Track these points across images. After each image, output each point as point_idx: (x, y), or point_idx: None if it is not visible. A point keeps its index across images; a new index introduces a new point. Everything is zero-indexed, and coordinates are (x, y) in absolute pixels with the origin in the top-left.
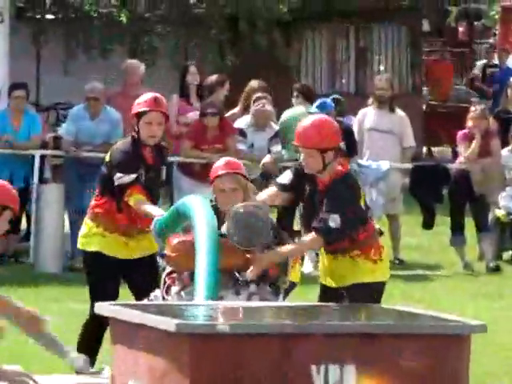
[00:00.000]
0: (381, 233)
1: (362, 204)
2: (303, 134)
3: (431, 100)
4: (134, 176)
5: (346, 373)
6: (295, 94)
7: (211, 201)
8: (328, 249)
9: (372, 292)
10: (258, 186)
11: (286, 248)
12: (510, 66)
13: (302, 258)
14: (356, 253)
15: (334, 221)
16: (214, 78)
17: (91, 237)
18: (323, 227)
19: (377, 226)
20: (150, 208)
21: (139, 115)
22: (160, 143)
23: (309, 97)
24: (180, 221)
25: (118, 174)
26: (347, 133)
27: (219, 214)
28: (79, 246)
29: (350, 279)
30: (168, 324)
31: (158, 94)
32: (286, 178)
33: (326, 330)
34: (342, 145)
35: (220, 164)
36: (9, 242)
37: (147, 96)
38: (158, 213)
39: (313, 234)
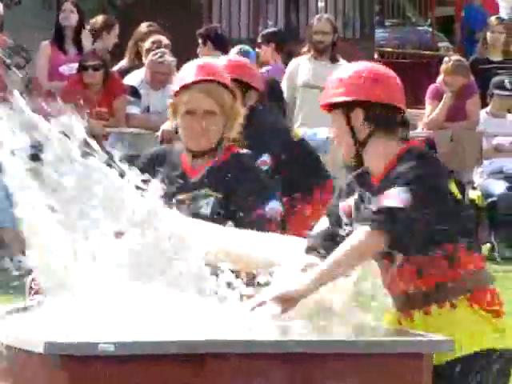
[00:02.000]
0: None
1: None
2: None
3: (385, 46)
4: None
5: None
6: (200, 40)
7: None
8: (404, 286)
9: (504, 366)
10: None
11: (321, 269)
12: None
13: None
14: (464, 297)
15: (394, 197)
16: (99, 19)
17: None
18: (375, 212)
19: None
20: None
21: None
22: None
23: (220, 44)
24: None
25: None
26: (271, 90)
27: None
28: None
29: (465, 346)
30: (34, 343)
31: None
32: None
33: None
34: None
35: (191, 67)
36: None
37: None
38: None
39: (359, 231)
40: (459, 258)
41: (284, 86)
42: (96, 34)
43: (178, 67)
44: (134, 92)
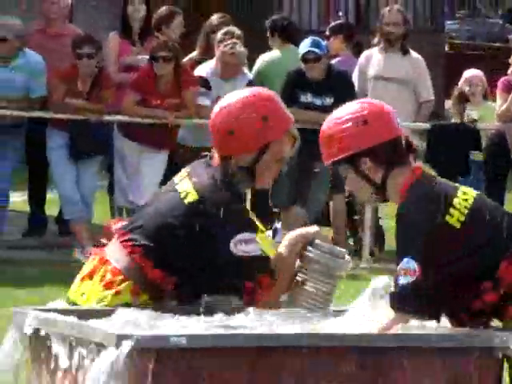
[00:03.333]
0: None
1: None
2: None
3: (456, 38)
4: None
5: None
6: (268, 32)
7: None
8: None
9: None
10: None
11: None
12: None
13: None
14: None
15: (405, 270)
16: (162, 10)
17: None
18: (393, 292)
19: None
20: None
21: None
22: None
23: (289, 35)
24: None
25: None
26: (342, 81)
27: None
28: None
29: None
30: (106, 336)
31: None
32: None
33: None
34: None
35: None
36: None
37: None
38: None
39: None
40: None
41: (355, 77)
42: (159, 24)
43: (249, 58)
44: (205, 83)
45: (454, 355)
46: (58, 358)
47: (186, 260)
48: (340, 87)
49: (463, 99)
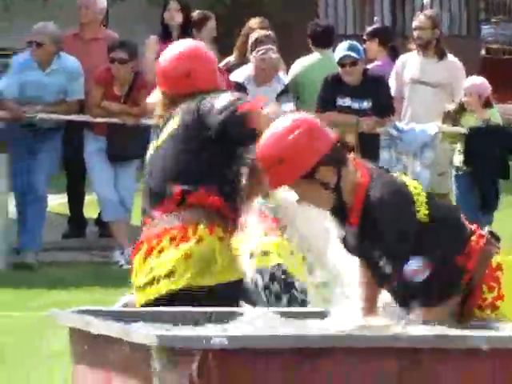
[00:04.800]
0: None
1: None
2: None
3: (492, 43)
4: None
5: None
6: (307, 36)
7: None
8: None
9: None
10: None
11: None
12: None
13: None
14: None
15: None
16: (195, 15)
17: None
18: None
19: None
20: None
21: None
22: None
23: (326, 40)
24: None
25: None
26: (379, 85)
27: None
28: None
29: None
30: (146, 336)
31: None
32: None
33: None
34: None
35: None
36: None
37: None
38: None
39: None
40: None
41: (392, 81)
42: (192, 27)
43: (286, 63)
44: (240, 88)
45: (500, 357)
46: (99, 357)
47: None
48: (377, 91)
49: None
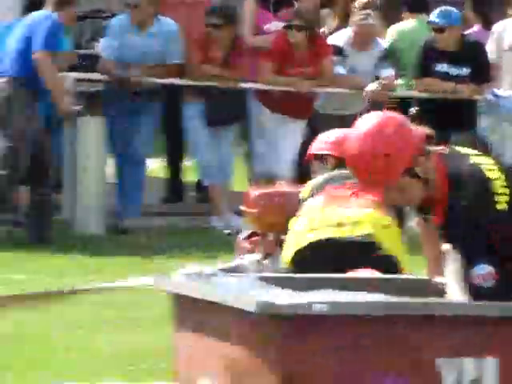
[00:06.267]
0: None
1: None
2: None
3: None
4: None
5: (486, 367)
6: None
7: None
8: None
9: None
10: None
11: None
12: None
13: None
14: None
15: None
16: None
17: None
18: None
19: None
20: None
21: None
22: None
23: (422, 5)
24: None
25: None
26: (477, 51)
27: None
28: None
29: None
30: (246, 302)
31: None
32: None
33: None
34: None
35: None
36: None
37: None
38: None
39: None
40: None
41: (489, 48)
42: None
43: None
44: (339, 52)
45: None
46: (201, 323)
47: None
48: (475, 57)
49: None
